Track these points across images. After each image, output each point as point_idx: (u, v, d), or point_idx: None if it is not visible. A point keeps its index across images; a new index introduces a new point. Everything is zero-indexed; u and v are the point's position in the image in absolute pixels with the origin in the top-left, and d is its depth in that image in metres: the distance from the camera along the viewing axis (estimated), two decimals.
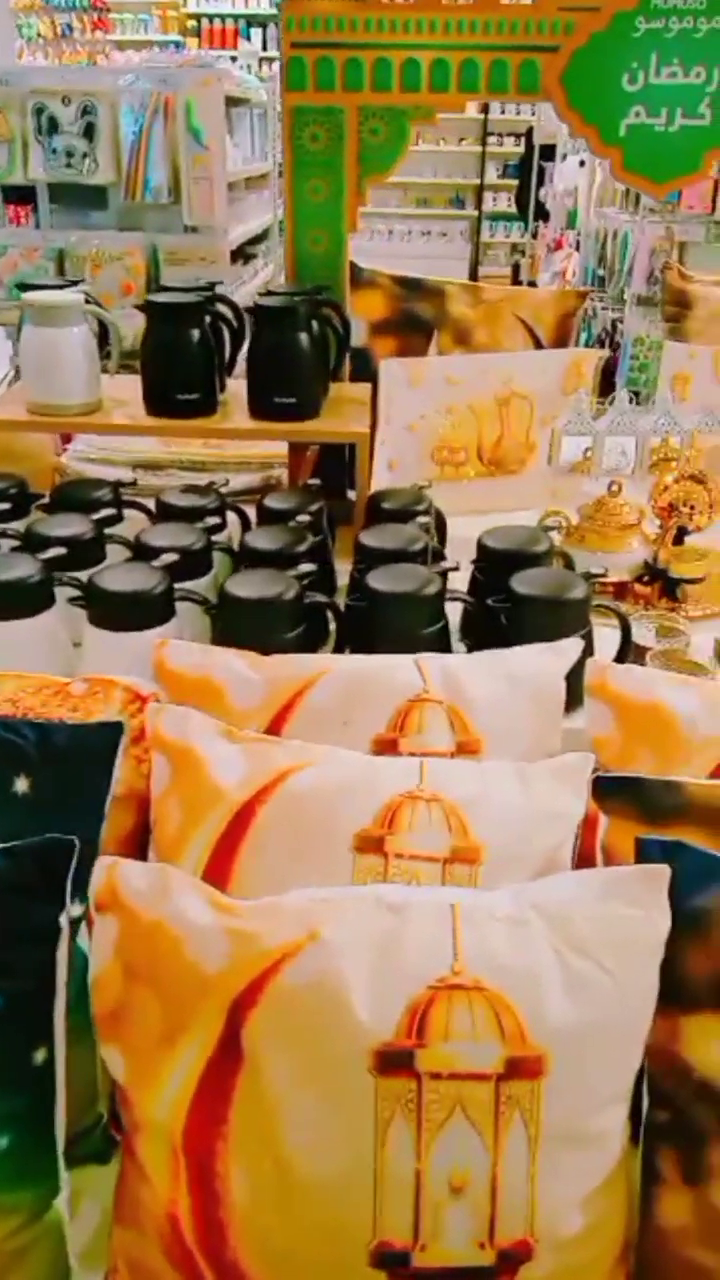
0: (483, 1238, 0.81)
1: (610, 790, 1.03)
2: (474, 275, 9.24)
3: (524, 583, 1.40)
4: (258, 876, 1.05)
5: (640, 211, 3.68)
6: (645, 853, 0.91)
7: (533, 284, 6.15)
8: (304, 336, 1.76)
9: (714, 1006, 0.86)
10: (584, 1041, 0.82)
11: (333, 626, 1.52)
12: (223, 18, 8.99)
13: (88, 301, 1.76)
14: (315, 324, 1.83)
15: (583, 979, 0.83)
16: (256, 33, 8.91)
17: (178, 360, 1.75)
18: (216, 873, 1.06)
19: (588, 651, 1.40)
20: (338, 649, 1.50)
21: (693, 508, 1.72)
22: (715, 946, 0.87)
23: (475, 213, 9.25)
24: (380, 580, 1.39)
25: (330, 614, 1.48)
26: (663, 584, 1.68)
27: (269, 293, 1.88)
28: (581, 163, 4.87)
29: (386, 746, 1.21)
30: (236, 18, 8.98)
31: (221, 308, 1.84)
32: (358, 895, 0.90)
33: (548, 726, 1.26)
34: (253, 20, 8.96)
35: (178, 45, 8.83)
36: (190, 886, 0.89)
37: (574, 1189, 0.84)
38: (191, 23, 8.98)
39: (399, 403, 1.97)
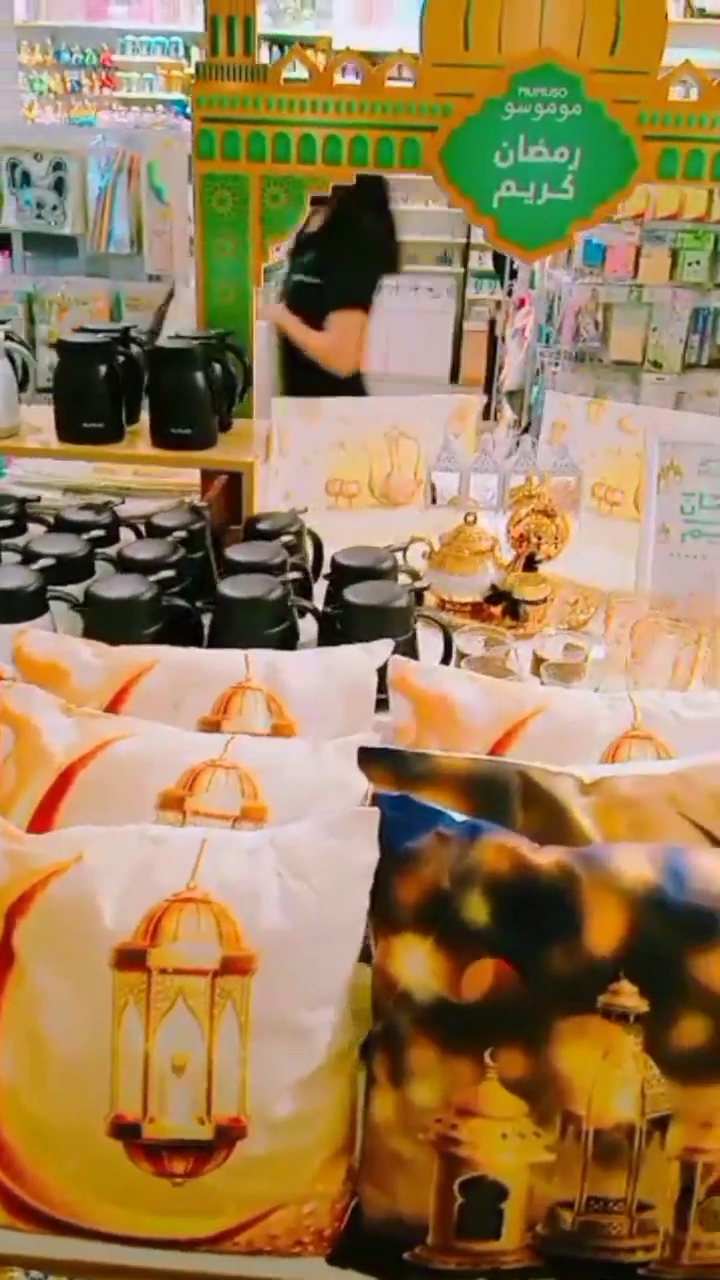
0: (201, 1113, 0.98)
1: (370, 759, 1.21)
2: (459, 330, 9.57)
3: (355, 593, 1.58)
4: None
5: (571, 273, 3.94)
6: (377, 803, 1.08)
7: (502, 338, 6.43)
8: (199, 375, 1.97)
9: (413, 928, 1.03)
10: (290, 947, 0.98)
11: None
12: None
13: (7, 338, 1.97)
14: (215, 365, 2.03)
15: (295, 896, 1.00)
16: None
17: (84, 393, 1.96)
18: (40, 826, 1.22)
19: (411, 655, 1.59)
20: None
21: (540, 538, 1.91)
22: (418, 879, 1.04)
23: (461, 270, 9.58)
24: (231, 587, 1.58)
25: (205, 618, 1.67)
26: (507, 604, 1.86)
27: (176, 336, 2.09)
28: None
29: (211, 727, 1.38)
30: None
31: (132, 348, 2.05)
32: (126, 830, 1.07)
33: (358, 715, 1.43)
34: None
35: (181, 104, 9.22)
36: None
37: (284, 1076, 1.00)
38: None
39: (294, 437, 2.17)
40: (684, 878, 1.02)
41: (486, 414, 7.53)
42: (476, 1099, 1.00)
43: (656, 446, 1.84)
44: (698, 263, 4.02)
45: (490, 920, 1.01)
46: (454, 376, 9.51)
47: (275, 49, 8.59)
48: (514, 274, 6.79)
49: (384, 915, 1.04)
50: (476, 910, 1.02)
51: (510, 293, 7.43)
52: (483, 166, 2.05)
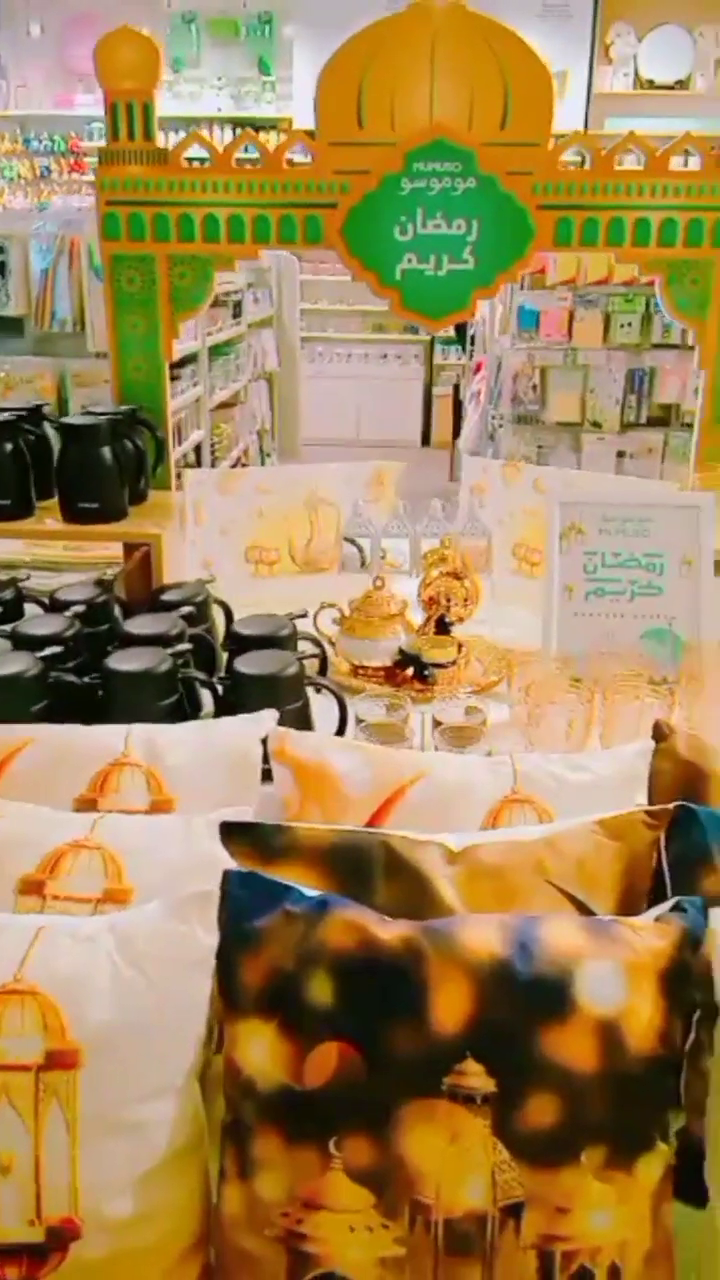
0: (31, 1215, 0.93)
1: (231, 834, 1.18)
2: (428, 395, 9.72)
3: (245, 663, 1.57)
4: None
5: (509, 338, 4.01)
6: (224, 882, 1.06)
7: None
8: (106, 450, 1.98)
9: (257, 1013, 1.00)
10: (120, 1039, 0.95)
11: None
12: None
13: None
14: (125, 440, 2.05)
15: (127, 986, 0.97)
16: None
17: None
18: None
19: (305, 724, 1.57)
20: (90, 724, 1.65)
21: (450, 600, 1.91)
22: (263, 960, 1.01)
23: (428, 337, 9.76)
24: (117, 660, 1.57)
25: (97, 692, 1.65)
26: (415, 668, 1.85)
27: (87, 412, 2.11)
28: None
29: (87, 805, 1.36)
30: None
31: (45, 426, 2.07)
32: None
33: (241, 787, 1.40)
34: None
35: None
36: None
37: (119, 1174, 0.96)
38: None
39: (210, 507, 2.18)
40: (532, 950, 0.99)
41: (453, 475, 7.61)
42: (322, 1191, 0.96)
43: (557, 508, 1.84)
44: (629, 325, 4.10)
45: (334, 1001, 0.98)
46: (425, 440, 9.64)
47: (237, 130, 8.85)
48: (472, 340, 6.92)
49: (229, 1000, 1.01)
50: (320, 991, 0.99)
51: (472, 357, 7.56)
52: (383, 241, 2.09)
